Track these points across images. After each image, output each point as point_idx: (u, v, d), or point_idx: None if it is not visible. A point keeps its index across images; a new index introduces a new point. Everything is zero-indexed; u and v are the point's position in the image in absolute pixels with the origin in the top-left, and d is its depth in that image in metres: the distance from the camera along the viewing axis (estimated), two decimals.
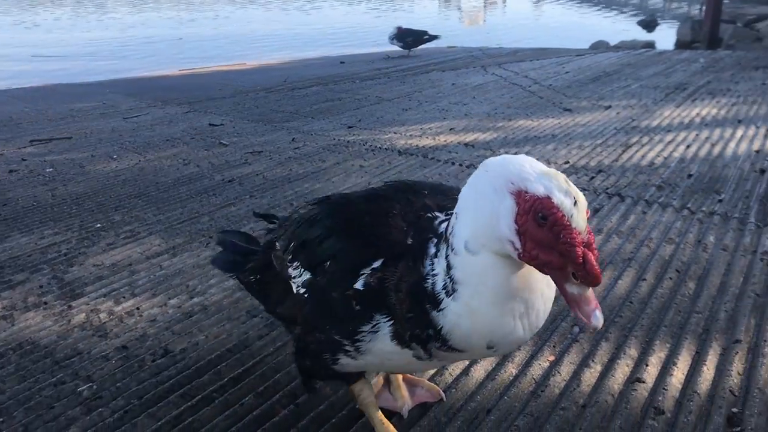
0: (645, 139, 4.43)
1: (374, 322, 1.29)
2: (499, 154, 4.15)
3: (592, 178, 3.65)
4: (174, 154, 4.67)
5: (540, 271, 1.09)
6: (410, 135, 4.91)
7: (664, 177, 3.61)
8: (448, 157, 4.22)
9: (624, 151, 4.17)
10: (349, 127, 5.27)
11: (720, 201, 3.21)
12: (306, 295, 1.44)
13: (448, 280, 1.19)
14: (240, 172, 4.12)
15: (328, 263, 1.38)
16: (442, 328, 1.22)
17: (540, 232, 1.05)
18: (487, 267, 1.15)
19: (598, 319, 1.06)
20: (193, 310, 2.36)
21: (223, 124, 5.60)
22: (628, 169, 3.79)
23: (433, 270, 1.22)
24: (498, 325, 1.19)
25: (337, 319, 1.35)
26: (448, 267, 1.19)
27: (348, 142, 4.77)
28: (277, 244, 1.63)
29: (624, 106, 5.58)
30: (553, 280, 1.11)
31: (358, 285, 1.29)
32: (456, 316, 1.19)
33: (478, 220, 1.13)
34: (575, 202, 1.05)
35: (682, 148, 4.18)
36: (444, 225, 1.27)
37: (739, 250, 2.63)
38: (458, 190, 1.40)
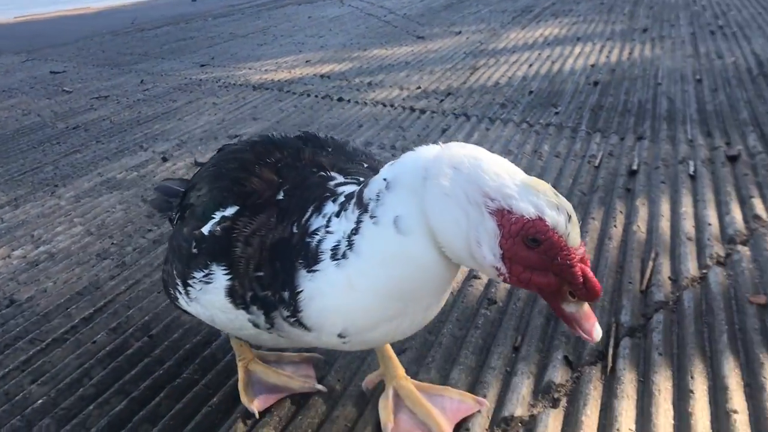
0: (492, 61, 4.60)
1: (207, 272, 1.19)
2: (355, 84, 4.28)
3: (442, 100, 3.78)
4: (11, 105, 4.38)
5: (528, 289, 0.99)
6: (265, 70, 4.84)
7: (507, 95, 3.80)
8: (303, 89, 4.21)
9: (472, 74, 4.32)
10: (202, 66, 5.12)
11: (557, 113, 3.42)
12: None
13: (345, 243, 1.04)
14: (85, 118, 3.94)
15: (189, 207, 1.33)
16: (301, 292, 1.08)
17: (531, 256, 0.93)
18: (408, 254, 1.00)
19: (599, 333, 0.99)
20: (39, 259, 2.28)
21: (66, 71, 5.28)
22: (475, 90, 3.94)
23: (328, 228, 1.07)
24: (368, 314, 1.07)
25: (178, 257, 1.29)
26: (353, 231, 1.03)
27: (200, 80, 4.65)
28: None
29: (473, 30, 5.74)
30: (545, 299, 1.00)
31: (204, 229, 1.20)
32: (327, 284, 1.05)
33: (447, 225, 0.96)
34: (569, 218, 0.93)
35: (525, 67, 4.39)
36: (345, 188, 1.14)
37: (570, 155, 2.84)
38: (366, 155, 1.33)
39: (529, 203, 0.91)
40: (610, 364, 1.56)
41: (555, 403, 1.45)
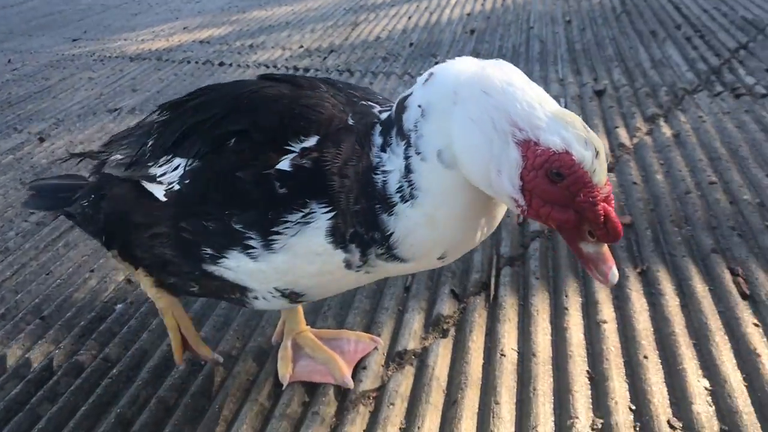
0: (372, 16, 4.63)
1: (306, 211, 1.04)
2: (235, 48, 4.22)
3: (325, 58, 3.79)
4: None
5: (546, 225, 0.96)
6: (142, 40, 4.68)
7: (389, 48, 3.85)
8: (183, 57, 4.11)
9: (353, 30, 4.34)
10: (74, 40, 4.89)
11: (436, 62, 3.51)
12: (181, 187, 1.15)
13: (406, 184, 1.00)
14: None
15: (232, 141, 1.09)
16: (392, 234, 1.03)
17: (553, 190, 0.90)
18: (462, 184, 0.99)
19: (615, 276, 0.95)
20: None
21: None
22: (357, 46, 3.97)
23: (382, 164, 1.02)
24: (461, 237, 1.06)
25: (245, 203, 1.07)
26: (408, 169, 0.99)
27: (73, 55, 4.45)
28: (116, 156, 1.34)
29: None
30: (563, 237, 0.97)
31: (283, 165, 1.04)
32: (413, 224, 1.02)
33: (468, 150, 0.94)
34: (596, 154, 0.89)
35: (405, 20, 4.45)
36: (385, 114, 1.07)
37: None
38: (376, 94, 1.22)
39: (558, 136, 0.87)
40: (492, 293, 1.67)
41: (444, 334, 1.55)
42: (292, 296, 1.20)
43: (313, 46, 4.05)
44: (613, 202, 0.92)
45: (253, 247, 1.09)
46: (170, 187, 1.16)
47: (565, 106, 2.73)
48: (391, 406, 1.36)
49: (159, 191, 1.18)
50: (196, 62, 3.96)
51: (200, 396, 1.44)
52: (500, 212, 1.10)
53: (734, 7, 3.86)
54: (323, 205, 1.03)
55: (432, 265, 1.12)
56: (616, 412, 1.30)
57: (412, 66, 3.49)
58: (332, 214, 1.03)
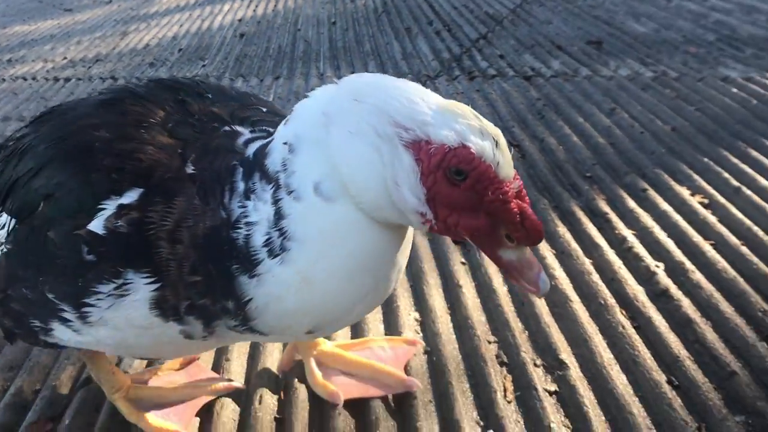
0: (143, 26, 4.56)
1: (121, 281, 0.89)
2: None
3: (90, 67, 3.68)
4: None
5: (456, 239, 0.88)
6: None
7: (156, 55, 3.82)
8: None
9: (122, 39, 4.25)
10: None
11: (204, 65, 3.55)
12: (7, 250, 1.00)
13: (276, 234, 0.84)
14: None
15: (41, 205, 0.94)
16: (250, 300, 0.88)
17: (456, 193, 0.79)
18: (350, 221, 0.84)
19: (545, 283, 0.84)
20: None
21: None
22: (124, 54, 3.90)
23: (245, 215, 0.86)
24: (339, 303, 0.90)
25: (56, 270, 0.92)
26: (278, 215, 0.84)
27: None
28: None
29: None
30: (480, 248, 0.85)
31: (93, 226, 0.88)
32: (278, 286, 0.86)
33: (357, 168, 0.81)
34: (496, 144, 0.79)
35: (175, 28, 4.43)
36: (253, 147, 0.91)
37: None
38: (255, 96, 1.10)
39: (449, 129, 0.77)
40: None
41: None
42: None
43: (78, 57, 3.91)
44: (527, 197, 0.82)
45: (69, 320, 0.95)
46: (1, 248, 1.01)
47: None
48: None
49: None
50: None
51: None
52: (391, 274, 0.93)
53: (479, 4, 4.28)
54: (145, 276, 0.88)
55: (298, 338, 1.01)
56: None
57: (179, 70, 3.50)
58: (157, 285, 0.88)
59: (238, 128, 0.96)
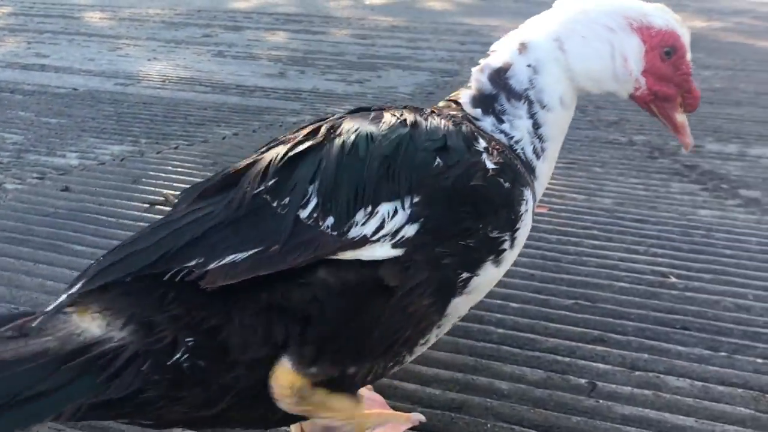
0: None
1: (525, 198, 1.03)
2: None
3: None
4: None
5: (645, 105, 1.12)
6: None
7: None
8: None
9: None
10: None
11: None
12: (419, 224, 0.93)
13: (537, 140, 1.09)
14: None
15: (436, 160, 0.96)
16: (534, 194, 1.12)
17: (663, 67, 1.08)
18: (569, 117, 1.15)
19: (692, 138, 1.15)
20: None
21: None
22: None
23: (512, 137, 1.09)
24: (552, 168, 1.19)
25: (492, 209, 0.99)
26: (535, 126, 1.09)
27: None
28: (228, 258, 0.88)
29: None
30: (660, 112, 1.12)
31: (489, 164, 0.98)
32: (542, 177, 1.13)
33: (591, 59, 1.08)
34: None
35: None
36: (481, 83, 1.12)
37: None
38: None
39: (664, 19, 1.06)
40: None
41: None
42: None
43: None
44: None
45: (503, 249, 1.01)
46: (400, 236, 0.93)
47: None
48: None
49: (382, 250, 0.92)
50: None
51: None
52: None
53: None
54: (527, 188, 1.05)
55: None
56: None
57: None
58: (531, 193, 1.07)
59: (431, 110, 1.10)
